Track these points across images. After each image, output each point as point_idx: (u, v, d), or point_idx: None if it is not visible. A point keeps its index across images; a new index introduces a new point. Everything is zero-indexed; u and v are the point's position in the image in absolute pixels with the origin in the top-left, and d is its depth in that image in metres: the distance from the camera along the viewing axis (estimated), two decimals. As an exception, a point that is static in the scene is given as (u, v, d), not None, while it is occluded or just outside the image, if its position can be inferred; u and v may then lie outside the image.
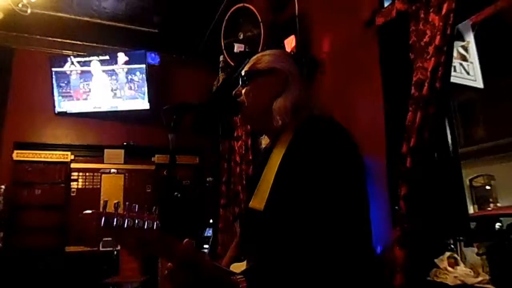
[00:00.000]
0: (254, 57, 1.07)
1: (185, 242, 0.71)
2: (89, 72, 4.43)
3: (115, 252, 4.05)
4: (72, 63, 4.41)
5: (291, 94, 0.99)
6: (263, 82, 1.02)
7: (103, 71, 4.44)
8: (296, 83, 1.01)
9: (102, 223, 0.64)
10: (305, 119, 0.94)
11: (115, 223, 0.65)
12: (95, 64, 4.43)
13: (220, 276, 0.75)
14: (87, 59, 4.43)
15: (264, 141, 1.12)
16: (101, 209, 0.65)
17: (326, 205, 0.80)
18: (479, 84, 2.13)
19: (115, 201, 0.68)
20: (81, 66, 4.43)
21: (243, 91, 1.04)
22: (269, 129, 1.02)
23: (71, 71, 4.41)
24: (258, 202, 0.89)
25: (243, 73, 1.06)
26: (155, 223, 0.70)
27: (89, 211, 0.64)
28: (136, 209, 0.69)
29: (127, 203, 0.69)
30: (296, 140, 0.90)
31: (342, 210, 0.80)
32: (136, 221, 0.68)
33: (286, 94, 0.99)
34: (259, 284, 0.76)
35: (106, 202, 0.66)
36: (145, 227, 0.68)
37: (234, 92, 1.06)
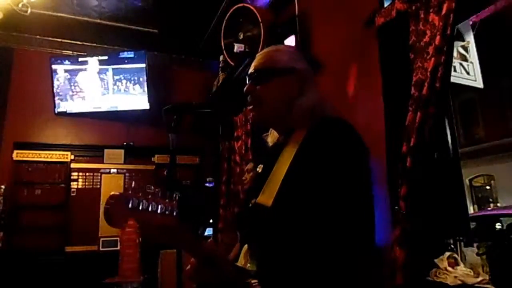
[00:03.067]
0: (266, 52, 1.06)
1: (209, 241, 0.75)
2: (88, 71, 4.42)
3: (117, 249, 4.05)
4: (71, 62, 4.40)
5: (311, 95, 1.00)
6: (283, 81, 1.00)
7: (103, 71, 4.43)
8: (313, 83, 1.02)
9: (130, 205, 0.64)
10: (318, 119, 0.94)
11: (140, 206, 0.66)
12: (93, 64, 4.43)
13: (239, 277, 0.78)
14: (85, 59, 4.42)
15: (270, 138, 1.11)
16: (126, 191, 0.66)
17: (335, 204, 0.81)
18: (479, 84, 2.13)
19: (139, 184, 0.69)
20: (79, 65, 4.43)
21: (258, 88, 1.02)
22: (283, 127, 1.03)
23: (69, 70, 4.40)
24: (266, 197, 0.89)
25: (253, 70, 1.04)
26: (175, 210, 0.71)
27: (116, 193, 0.65)
28: (159, 195, 0.71)
29: (151, 186, 0.70)
30: (310, 139, 0.91)
31: (352, 210, 0.81)
32: (159, 207, 0.69)
33: (307, 95, 0.99)
34: None
35: (131, 184, 0.67)
36: (167, 213, 0.70)
37: (245, 88, 1.04)
